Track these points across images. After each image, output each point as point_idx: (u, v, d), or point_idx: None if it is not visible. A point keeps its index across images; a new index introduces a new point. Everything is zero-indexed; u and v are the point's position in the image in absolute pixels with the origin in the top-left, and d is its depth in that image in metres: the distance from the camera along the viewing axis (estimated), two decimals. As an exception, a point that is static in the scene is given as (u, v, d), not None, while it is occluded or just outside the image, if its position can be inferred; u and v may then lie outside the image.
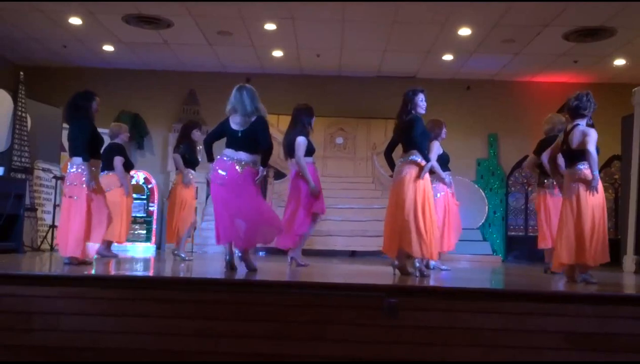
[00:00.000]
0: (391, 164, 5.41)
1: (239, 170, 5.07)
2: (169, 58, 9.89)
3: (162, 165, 10.59)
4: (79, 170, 5.37)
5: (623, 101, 8.19)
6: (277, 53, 9.55)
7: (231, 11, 7.82)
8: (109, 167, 6.90)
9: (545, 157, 5.79)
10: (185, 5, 7.66)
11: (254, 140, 5.14)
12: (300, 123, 6.25)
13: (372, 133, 10.50)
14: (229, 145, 5.17)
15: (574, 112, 5.00)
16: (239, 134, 5.14)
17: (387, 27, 8.27)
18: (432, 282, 4.92)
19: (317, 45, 9.16)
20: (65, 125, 8.94)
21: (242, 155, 5.13)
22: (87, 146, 5.39)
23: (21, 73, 8.62)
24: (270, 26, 8.36)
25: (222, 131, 5.23)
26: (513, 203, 10.52)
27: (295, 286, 4.21)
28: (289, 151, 6.24)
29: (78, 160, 5.40)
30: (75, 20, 8.30)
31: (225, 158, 5.12)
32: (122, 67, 10.33)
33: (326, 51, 9.39)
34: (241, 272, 5.09)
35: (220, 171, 5.08)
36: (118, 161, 6.98)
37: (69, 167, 5.48)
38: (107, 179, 6.74)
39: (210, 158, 5.26)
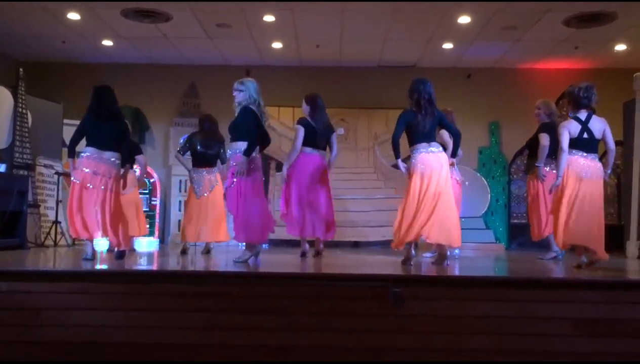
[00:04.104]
0: (398, 152, 5.34)
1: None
2: (169, 51, 9.85)
3: (164, 160, 10.58)
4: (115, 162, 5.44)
5: (625, 86, 8.13)
6: (277, 44, 9.51)
7: (229, 3, 7.79)
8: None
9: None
10: (184, -2, 7.65)
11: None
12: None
13: (374, 124, 10.46)
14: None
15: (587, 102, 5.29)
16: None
17: (387, 16, 8.23)
18: (437, 271, 4.94)
19: (317, 36, 9.12)
20: (67, 121, 9.03)
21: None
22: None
23: (20, 69, 8.58)
24: (269, 18, 8.32)
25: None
26: (515, 190, 10.49)
27: (301, 278, 4.22)
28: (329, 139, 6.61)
29: (117, 155, 5.46)
30: (73, 16, 8.26)
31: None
32: (122, 61, 10.28)
33: (326, 42, 9.34)
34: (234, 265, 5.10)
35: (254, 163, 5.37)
36: (142, 159, 7.30)
37: (99, 155, 5.39)
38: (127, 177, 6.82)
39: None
